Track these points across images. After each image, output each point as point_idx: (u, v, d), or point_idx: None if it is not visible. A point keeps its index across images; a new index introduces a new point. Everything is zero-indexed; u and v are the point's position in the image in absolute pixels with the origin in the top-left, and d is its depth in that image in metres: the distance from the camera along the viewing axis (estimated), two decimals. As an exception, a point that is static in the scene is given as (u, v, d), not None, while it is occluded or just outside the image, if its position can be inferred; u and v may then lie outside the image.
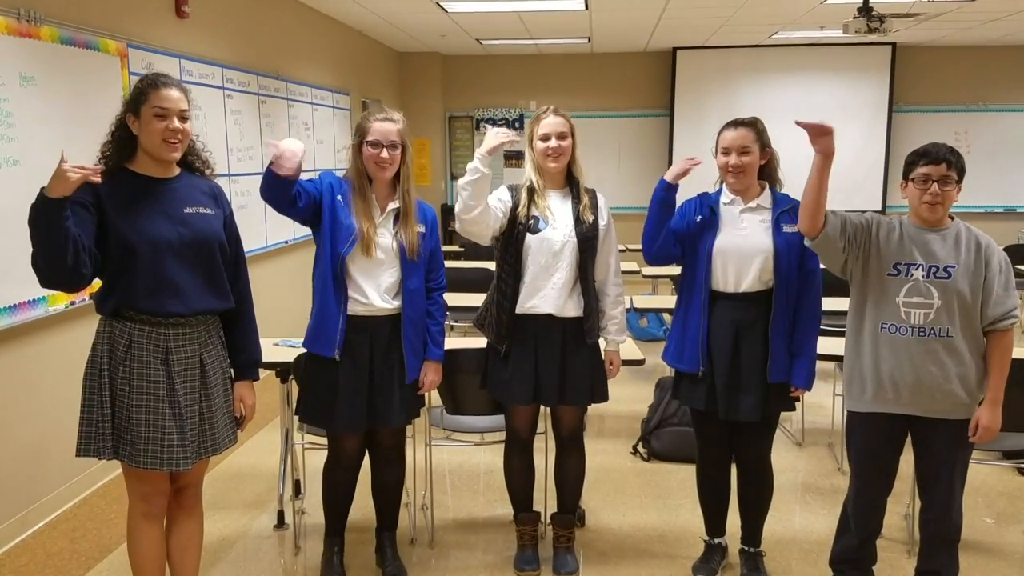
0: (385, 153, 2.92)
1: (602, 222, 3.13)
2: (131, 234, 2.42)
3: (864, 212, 2.87)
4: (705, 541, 3.31)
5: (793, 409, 3.11)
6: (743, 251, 2.95)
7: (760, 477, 3.15)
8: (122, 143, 2.50)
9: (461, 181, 2.95)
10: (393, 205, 2.99)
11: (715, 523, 3.28)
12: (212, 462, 4.34)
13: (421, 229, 3.03)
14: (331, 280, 2.92)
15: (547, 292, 3.05)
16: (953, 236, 2.72)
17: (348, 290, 2.93)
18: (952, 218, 2.76)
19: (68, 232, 2.27)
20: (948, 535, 2.86)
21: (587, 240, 3.06)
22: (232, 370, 2.72)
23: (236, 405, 2.72)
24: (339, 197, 2.95)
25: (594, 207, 3.11)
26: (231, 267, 2.67)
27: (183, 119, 2.49)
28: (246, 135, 5.84)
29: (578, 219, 3.06)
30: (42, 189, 2.25)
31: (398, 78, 10.26)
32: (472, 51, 10.21)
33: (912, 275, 2.71)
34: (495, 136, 2.88)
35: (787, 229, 2.94)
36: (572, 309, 3.07)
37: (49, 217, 2.24)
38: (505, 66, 10.56)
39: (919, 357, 2.69)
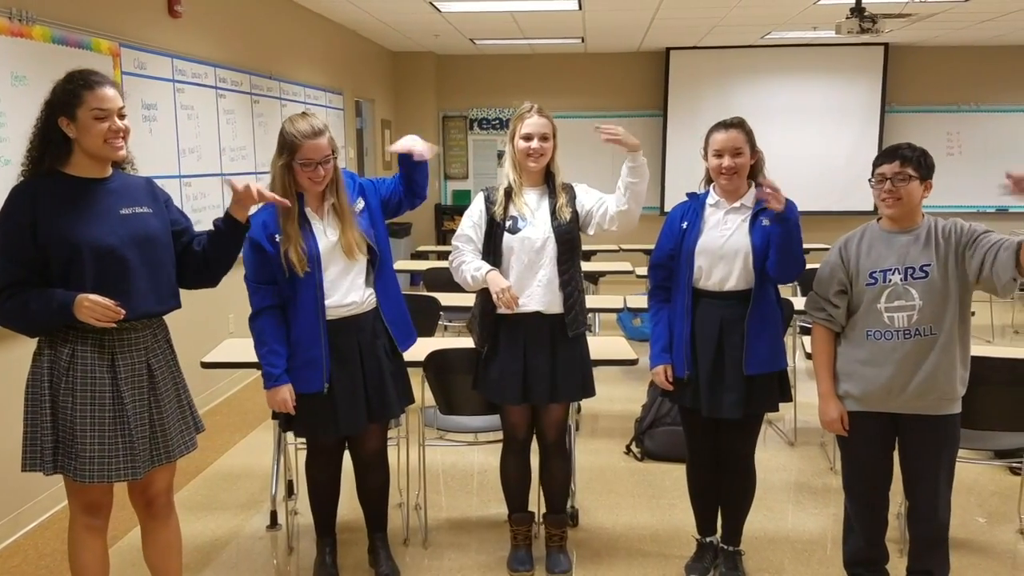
0: (320, 170, 2.83)
1: (579, 201, 3.12)
2: (73, 240, 2.35)
3: (831, 258, 2.86)
4: (697, 540, 3.31)
5: (776, 409, 3.11)
6: (725, 251, 2.96)
7: (742, 477, 3.16)
8: (55, 147, 2.39)
9: (467, 271, 3.06)
10: (328, 202, 2.92)
11: (706, 521, 3.28)
12: (205, 463, 4.36)
13: (360, 206, 3.00)
14: (306, 322, 2.89)
15: (533, 290, 3.06)
16: (925, 234, 2.72)
17: (324, 302, 2.89)
18: (924, 216, 2.76)
19: (63, 324, 2.36)
20: (936, 533, 2.87)
21: (565, 235, 3.07)
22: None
23: (238, 190, 2.53)
24: (279, 237, 2.84)
25: (571, 202, 3.11)
26: (183, 252, 2.62)
27: (122, 116, 2.42)
28: (239, 135, 5.83)
29: (554, 214, 3.07)
30: (70, 306, 2.30)
31: (391, 78, 10.26)
32: (466, 51, 10.21)
33: (890, 280, 2.72)
34: (495, 284, 2.95)
35: (766, 223, 2.93)
36: (557, 305, 3.08)
37: (62, 321, 2.34)
38: (499, 66, 10.56)
39: (905, 359, 2.70)
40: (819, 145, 10.00)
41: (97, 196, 2.43)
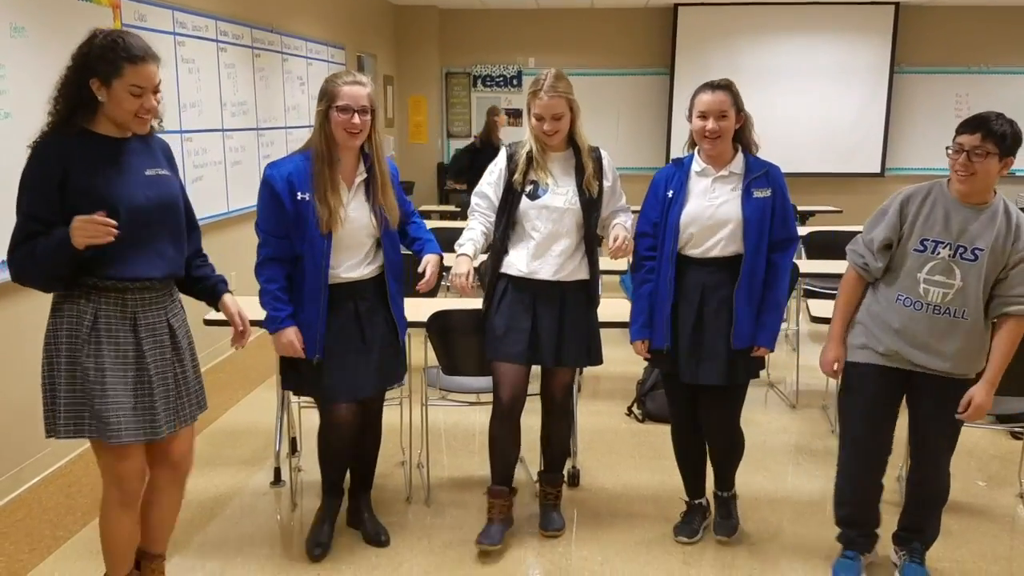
0: (356, 119, 2.79)
1: (607, 183, 3.10)
2: (109, 199, 2.28)
3: (891, 201, 2.77)
4: (686, 502, 3.31)
5: (757, 376, 3.07)
6: (714, 220, 2.92)
7: (724, 442, 3.16)
8: (83, 104, 2.29)
9: (461, 238, 3.06)
10: (360, 177, 2.91)
11: (694, 485, 3.28)
12: (208, 419, 4.37)
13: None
14: (307, 286, 2.87)
15: (547, 258, 3.03)
16: (990, 215, 2.61)
17: (328, 271, 2.88)
18: (996, 193, 2.66)
19: (71, 264, 2.27)
20: (934, 496, 2.87)
21: (591, 205, 3.03)
22: (212, 297, 2.70)
23: (234, 320, 2.67)
24: (301, 195, 2.81)
25: (598, 173, 3.05)
26: (189, 226, 2.59)
27: (156, 92, 2.34)
28: (240, 89, 5.76)
29: (582, 187, 3.02)
30: (68, 236, 2.20)
31: (393, 33, 10.12)
32: (470, 5, 10.06)
33: (938, 253, 2.64)
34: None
35: (758, 194, 2.90)
36: (577, 273, 3.06)
37: (67, 257, 2.24)
38: (503, 21, 10.41)
39: (930, 333, 2.67)
40: (827, 105, 9.88)
41: (124, 155, 2.37)
